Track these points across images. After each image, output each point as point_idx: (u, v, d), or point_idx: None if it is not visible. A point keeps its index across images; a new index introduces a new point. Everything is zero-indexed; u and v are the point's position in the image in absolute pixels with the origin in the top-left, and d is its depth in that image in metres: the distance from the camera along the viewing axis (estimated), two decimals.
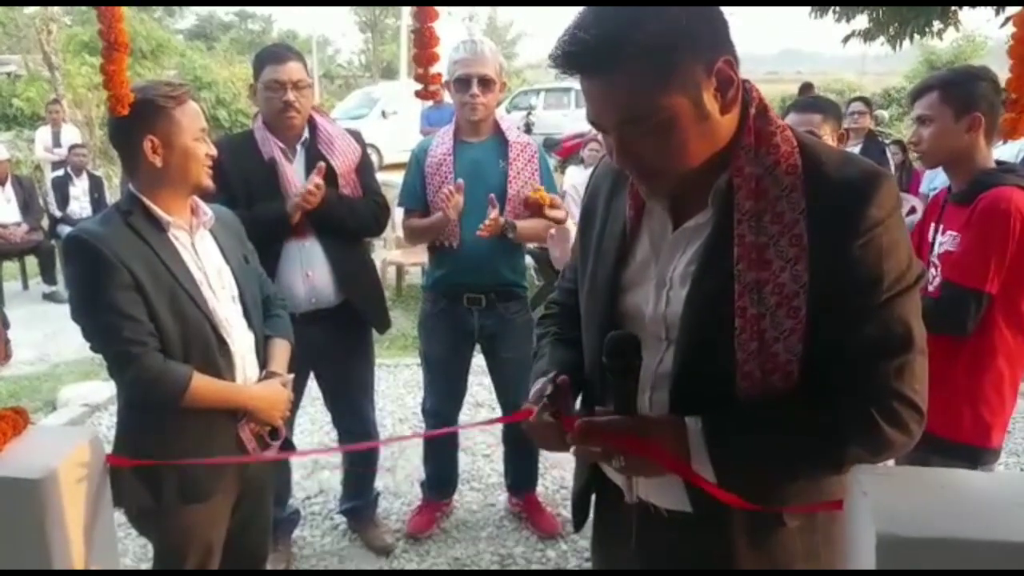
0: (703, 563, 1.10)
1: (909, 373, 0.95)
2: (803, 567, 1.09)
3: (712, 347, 0.99)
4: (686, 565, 1.13)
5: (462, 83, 2.39)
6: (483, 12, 34.31)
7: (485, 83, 2.39)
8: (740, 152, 0.97)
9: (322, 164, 2.22)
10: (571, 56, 0.90)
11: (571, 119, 14.93)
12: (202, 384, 1.58)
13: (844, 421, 0.97)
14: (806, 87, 8.90)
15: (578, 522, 1.28)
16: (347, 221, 2.33)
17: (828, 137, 2.11)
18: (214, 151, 1.66)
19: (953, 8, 6.52)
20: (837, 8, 6.98)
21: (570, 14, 0.93)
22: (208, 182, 1.65)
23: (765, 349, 0.96)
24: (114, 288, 1.50)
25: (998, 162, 1.92)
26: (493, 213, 2.35)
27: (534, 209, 2.18)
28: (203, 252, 1.67)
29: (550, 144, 11.06)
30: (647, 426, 1.03)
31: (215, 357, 1.62)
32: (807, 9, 7.26)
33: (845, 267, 0.93)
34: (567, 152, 10.98)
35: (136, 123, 1.56)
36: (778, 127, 0.99)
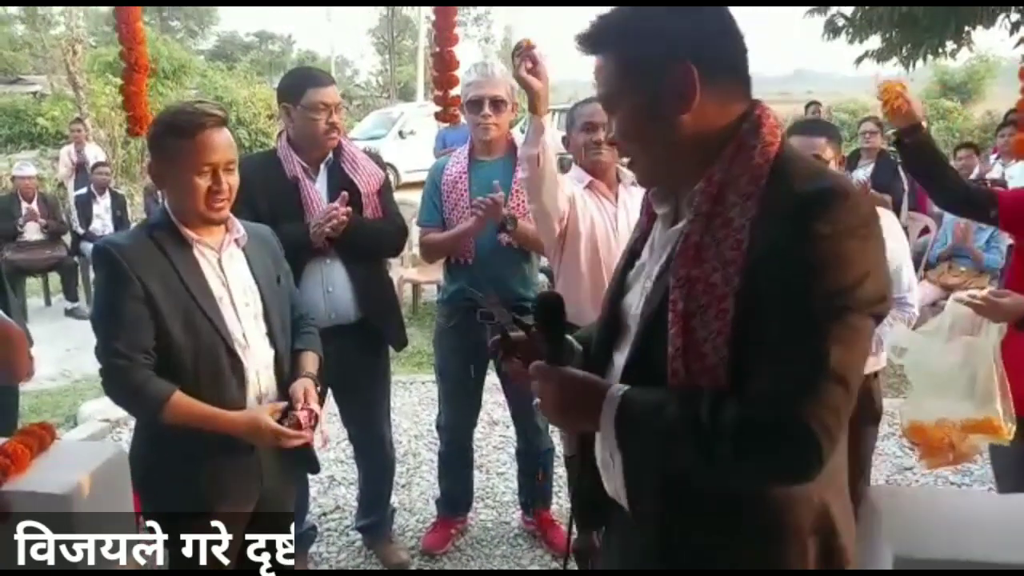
0: (641, 560, 1.11)
1: (816, 401, 0.89)
2: None
3: (653, 344, 1.01)
4: (631, 560, 1.14)
5: (475, 104, 2.44)
6: (498, 33, 34.69)
7: (497, 104, 2.44)
8: (718, 162, 1.00)
9: (345, 194, 2.26)
10: (579, 38, 1.07)
11: None
12: (182, 404, 1.58)
13: (739, 430, 0.92)
14: (812, 105, 8.92)
15: (579, 520, 1.28)
16: (369, 243, 2.38)
17: (832, 161, 2.09)
18: (224, 184, 1.61)
19: (966, 28, 6.51)
20: (850, 29, 6.99)
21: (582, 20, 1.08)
22: (215, 215, 1.62)
23: (694, 348, 0.96)
24: (123, 298, 1.55)
25: None
26: (496, 196, 2.34)
27: None
28: (230, 269, 1.69)
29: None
30: (565, 377, 1.07)
31: (224, 371, 1.64)
32: (820, 30, 7.29)
33: (776, 275, 0.91)
34: None
35: (150, 147, 1.65)
36: (764, 143, 0.99)
